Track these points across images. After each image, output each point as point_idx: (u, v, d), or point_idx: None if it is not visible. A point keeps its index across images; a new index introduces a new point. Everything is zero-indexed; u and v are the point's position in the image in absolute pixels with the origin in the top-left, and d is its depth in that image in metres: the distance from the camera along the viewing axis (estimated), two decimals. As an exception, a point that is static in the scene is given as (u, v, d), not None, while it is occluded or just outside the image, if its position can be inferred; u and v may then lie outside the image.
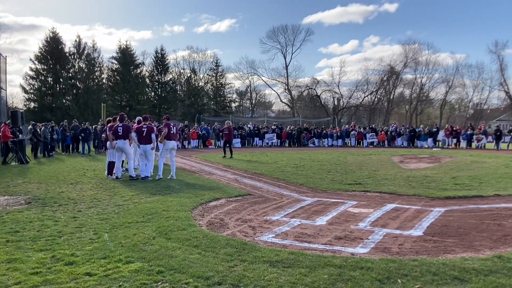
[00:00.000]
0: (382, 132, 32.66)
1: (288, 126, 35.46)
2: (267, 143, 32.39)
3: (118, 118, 12.94)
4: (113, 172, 12.55)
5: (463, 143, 29.18)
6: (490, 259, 4.91)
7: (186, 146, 28.39)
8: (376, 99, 62.38)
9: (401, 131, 32.35)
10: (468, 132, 29.57)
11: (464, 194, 9.65)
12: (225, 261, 4.84)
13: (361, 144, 32.36)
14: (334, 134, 33.45)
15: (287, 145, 32.53)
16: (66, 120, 26.02)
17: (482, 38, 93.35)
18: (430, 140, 30.14)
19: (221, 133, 25.80)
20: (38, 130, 19.98)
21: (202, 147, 29.64)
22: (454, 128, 31.51)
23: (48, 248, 5.37)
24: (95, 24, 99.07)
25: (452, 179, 12.32)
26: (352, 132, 33.46)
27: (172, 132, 12.71)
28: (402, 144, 31.08)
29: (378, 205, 8.55)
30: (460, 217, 7.41)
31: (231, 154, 20.16)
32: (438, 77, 59.74)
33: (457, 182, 11.56)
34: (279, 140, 32.71)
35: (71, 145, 22.76)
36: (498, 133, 27.81)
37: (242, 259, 4.93)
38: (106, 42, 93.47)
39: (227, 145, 20.78)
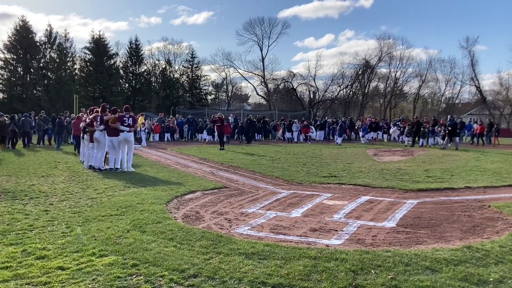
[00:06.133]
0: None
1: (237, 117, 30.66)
2: (204, 139, 28.62)
3: (100, 109, 12.91)
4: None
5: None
6: (460, 249, 5.04)
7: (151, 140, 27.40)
8: (351, 92, 62.92)
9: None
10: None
11: (436, 187, 9.87)
12: (201, 254, 4.82)
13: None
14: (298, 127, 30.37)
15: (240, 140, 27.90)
16: (51, 112, 25.54)
17: (454, 34, 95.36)
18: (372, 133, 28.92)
19: (213, 125, 23.65)
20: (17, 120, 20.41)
21: (180, 139, 29.08)
22: (374, 121, 30.50)
23: (18, 242, 5.24)
24: (70, 14, 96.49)
25: (424, 171, 12.58)
26: (295, 126, 29.77)
27: (126, 123, 12.55)
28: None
29: (353, 197, 8.66)
30: (432, 208, 7.58)
31: (222, 146, 20.02)
32: (412, 72, 60.73)
33: (429, 175, 11.81)
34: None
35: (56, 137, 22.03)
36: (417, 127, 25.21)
37: (217, 251, 4.92)
38: (81, 32, 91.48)
39: (221, 136, 20.81)
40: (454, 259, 4.68)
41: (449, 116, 25.52)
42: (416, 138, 25.09)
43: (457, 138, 22.49)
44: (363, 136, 28.53)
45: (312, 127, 30.72)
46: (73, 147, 18.98)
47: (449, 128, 22.18)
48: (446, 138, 22.26)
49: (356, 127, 31.10)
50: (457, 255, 4.83)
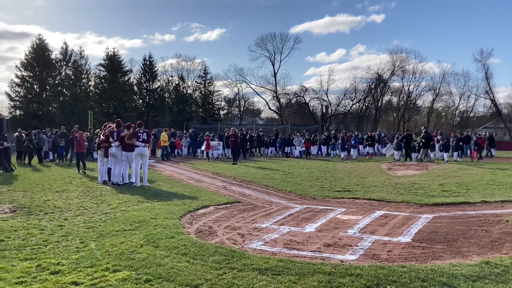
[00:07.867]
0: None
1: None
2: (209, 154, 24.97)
3: (115, 125, 13.08)
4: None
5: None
6: (478, 265, 4.94)
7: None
8: (364, 106, 62.74)
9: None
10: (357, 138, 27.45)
11: (452, 201, 9.73)
12: (214, 269, 4.79)
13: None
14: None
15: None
16: (63, 127, 25.80)
17: (467, 47, 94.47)
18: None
19: (228, 140, 23.09)
20: (33, 137, 21.14)
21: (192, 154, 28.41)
22: (371, 135, 28.68)
23: (33, 257, 5.27)
24: (86, 33, 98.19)
25: (439, 186, 12.41)
26: (296, 140, 27.69)
27: (141, 139, 12.70)
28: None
29: (367, 212, 8.57)
30: (448, 223, 7.45)
31: (235, 160, 20.13)
32: (425, 85, 60.35)
33: (444, 189, 11.65)
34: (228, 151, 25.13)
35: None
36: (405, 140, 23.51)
37: (231, 266, 4.88)
38: (96, 50, 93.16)
39: (234, 151, 21.23)
40: (472, 275, 4.58)
41: (422, 128, 25.13)
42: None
43: (436, 152, 22.30)
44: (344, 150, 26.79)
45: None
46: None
47: (423, 141, 21.99)
48: (427, 150, 22.16)
49: (337, 142, 27.44)
50: (475, 270, 4.73)
